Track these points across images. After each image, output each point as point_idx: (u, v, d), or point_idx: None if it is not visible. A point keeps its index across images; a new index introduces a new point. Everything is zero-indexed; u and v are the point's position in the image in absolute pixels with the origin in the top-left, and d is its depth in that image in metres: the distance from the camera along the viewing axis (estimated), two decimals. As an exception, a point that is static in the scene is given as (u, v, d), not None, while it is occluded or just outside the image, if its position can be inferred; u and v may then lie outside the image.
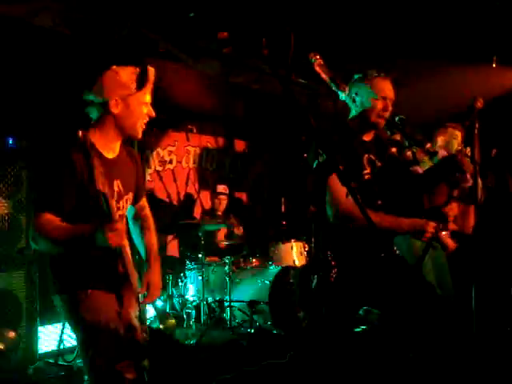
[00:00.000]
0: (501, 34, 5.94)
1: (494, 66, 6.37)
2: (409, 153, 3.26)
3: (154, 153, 7.54)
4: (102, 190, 2.34)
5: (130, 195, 2.77)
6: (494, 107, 4.56)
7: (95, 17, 4.92)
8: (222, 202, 7.31)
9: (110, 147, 2.66)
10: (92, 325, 2.50)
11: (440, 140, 4.69)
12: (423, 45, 5.83)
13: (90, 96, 2.58)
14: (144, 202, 3.01)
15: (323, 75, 3.22)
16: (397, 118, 3.22)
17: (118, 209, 2.60)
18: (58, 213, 2.43)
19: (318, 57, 3.21)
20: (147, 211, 3.02)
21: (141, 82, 2.60)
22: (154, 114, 2.67)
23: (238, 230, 7.49)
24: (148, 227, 2.97)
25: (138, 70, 2.62)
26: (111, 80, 2.56)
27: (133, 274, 2.62)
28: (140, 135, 2.70)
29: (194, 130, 7.74)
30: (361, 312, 4.27)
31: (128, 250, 2.61)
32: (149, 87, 2.64)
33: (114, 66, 2.59)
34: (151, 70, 2.64)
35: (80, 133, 2.36)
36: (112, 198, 2.44)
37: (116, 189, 2.62)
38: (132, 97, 2.58)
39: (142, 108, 2.63)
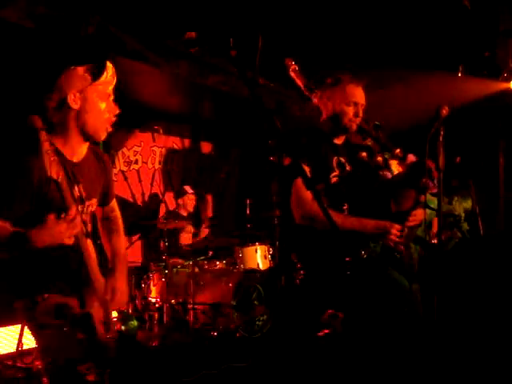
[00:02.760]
0: (467, 44, 6.05)
1: (459, 74, 6.47)
2: (379, 158, 3.30)
3: (120, 153, 7.48)
4: (55, 178, 2.23)
5: (94, 201, 2.69)
6: (458, 115, 4.63)
7: (61, 12, 4.84)
8: (191, 203, 7.30)
9: (74, 150, 2.58)
10: (49, 328, 2.44)
11: None
12: (390, 52, 5.89)
13: (50, 97, 2.49)
14: (113, 204, 2.96)
15: (297, 81, 3.26)
16: (372, 125, 3.27)
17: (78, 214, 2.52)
18: (7, 218, 2.33)
19: (293, 63, 3.24)
20: (117, 213, 2.98)
21: (96, 74, 2.51)
22: (116, 109, 2.59)
23: (203, 232, 7.47)
24: (116, 230, 2.94)
25: (95, 64, 2.53)
26: (68, 75, 2.49)
27: (97, 277, 2.56)
28: (103, 136, 2.61)
29: (161, 131, 7.67)
30: (325, 316, 4.28)
31: (91, 252, 2.56)
32: (108, 80, 2.55)
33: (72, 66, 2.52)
34: (108, 63, 2.55)
35: (32, 120, 2.23)
36: (66, 186, 2.33)
37: (76, 194, 2.53)
38: (89, 88, 2.49)
39: (101, 102, 2.54)
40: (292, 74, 3.29)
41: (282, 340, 3.11)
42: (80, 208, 2.54)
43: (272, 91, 6.89)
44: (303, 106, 7.12)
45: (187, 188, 7.40)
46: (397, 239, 3.05)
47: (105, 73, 2.53)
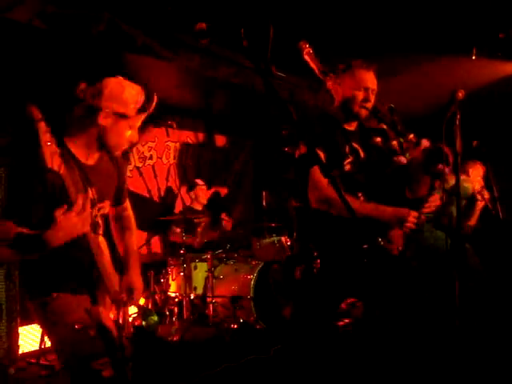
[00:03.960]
0: (481, 26, 5.97)
1: (473, 57, 6.39)
2: (394, 142, 3.27)
3: (134, 149, 7.48)
4: (56, 170, 2.18)
5: (106, 203, 2.69)
6: (475, 99, 4.59)
7: (71, 11, 4.84)
8: (203, 194, 7.30)
9: (88, 154, 2.58)
10: (61, 327, 2.44)
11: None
12: (404, 36, 5.83)
13: (83, 94, 2.45)
14: (126, 204, 2.97)
15: (312, 64, 3.22)
16: (387, 107, 3.24)
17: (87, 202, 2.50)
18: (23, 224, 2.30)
19: (307, 45, 3.22)
20: (129, 212, 2.99)
21: (143, 108, 2.51)
22: (137, 139, 2.59)
23: (227, 224, 7.49)
24: (129, 227, 2.95)
25: (143, 91, 2.52)
26: (113, 91, 2.45)
27: (110, 277, 2.55)
28: (119, 153, 2.63)
29: (174, 126, 7.68)
30: (345, 305, 4.27)
31: (104, 251, 2.55)
32: (146, 114, 2.55)
33: (121, 78, 2.50)
34: (155, 98, 2.54)
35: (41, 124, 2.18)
36: (70, 180, 2.29)
37: (90, 196, 2.52)
38: (126, 119, 2.49)
39: (128, 130, 2.53)
40: (306, 57, 3.25)
41: (302, 330, 3.09)
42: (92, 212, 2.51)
43: (285, 81, 6.85)
44: (316, 95, 7.08)
45: (198, 181, 7.39)
46: (413, 226, 3.02)
47: (149, 111, 2.54)
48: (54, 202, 2.29)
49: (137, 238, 3.01)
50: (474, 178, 5.25)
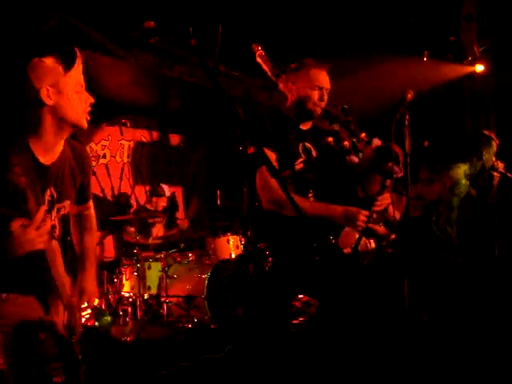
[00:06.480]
0: (432, 28, 6.08)
1: (424, 59, 6.52)
2: (346, 142, 3.30)
3: (87, 147, 7.38)
4: (15, 182, 2.07)
5: (66, 203, 2.56)
6: (425, 100, 4.67)
7: (21, 5, 4.75)
8: (163, 204, 7.23)
9: (49, 149, 2.43)
10: (10, 329, 2.38)
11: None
12: (356, 38, 5.91)
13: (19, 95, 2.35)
14: (90, 203, 2.85)
15: (264, 66, 3.25)
16: (340, 108, 3.27)
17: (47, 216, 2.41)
18: None
19: (259, 48, 3.22)
20: (91, 212, 2.88)
21: (68, 63, 2.35)
22: (91, 98, 2.45)
23: (182, 224, 7.45)
24: (89, 228, 2.85)
25: (62, 54, 2.36)
26: (37, 69, 2.32)
27: (63, 282, 2.47)
28: (85, 124, 2.46)
29: (128, 124, 7.62)
30: (299, 303, 4.29)
31: (57, 256, 2.48)
32: (78, 67, 2.40)
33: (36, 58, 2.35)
34: (77, 50, 2.40)
35: None
36: (31, 190, 2.14)
37: (48, 198, 2.42)
38: (62, 80, 2.33)
39: (76, 94, 2.39)
40: (258, 60, 3.28)
41: (253, 329, 3.09)
42: (48, 212, 2.40)
43: (239, 80, 6.87)
44: (271, 94, 7.12)
45: (165, 188, 7.31)
46: (364, 225, 3.06)
47: (77, 60, 2.39)
48: (12, 207, 2.16)
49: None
50: (489, 158, 5.19)
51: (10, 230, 2.07)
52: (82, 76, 2.44)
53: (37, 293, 2.43)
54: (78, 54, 2.42)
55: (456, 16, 6.30)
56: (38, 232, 2.12)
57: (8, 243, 2.09)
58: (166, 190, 7.31)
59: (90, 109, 2.47)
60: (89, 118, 2.48)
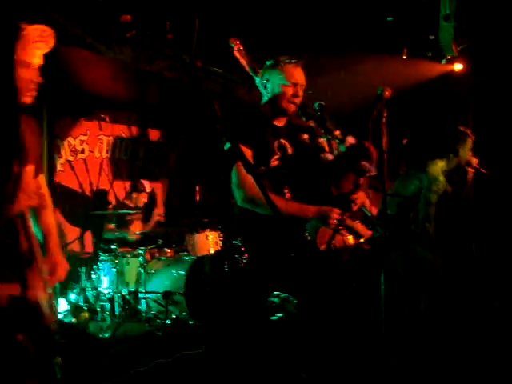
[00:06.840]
0: (411, 27, 6.11)
1: (404, 57, 6.55)
2: (322, 140, 3.31)
3: (65, 142, 7.30)
4: None
5: (31, 167, 2.54)
6: (404, 98, 4.69)
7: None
8: (143, 200, 7.20)
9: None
10: None
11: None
12: (334, 35, 5.92)
13: None
14: (42, 179, 2.78)
15: (242, 60, 3.24)
16: (315, 104, 3.27)
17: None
18: None
19: (237, 42, 3.22)
20: (44, 190, 2.81)
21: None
22: (38, 78, 2.45)
23: (161, 219, 7.43)
24: (45, 206, 2.77)
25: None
26: None
27: (39, 256, 2.47)
28: (28, 100, 2.46)
29: (107, 119, 7.55)
30: (277, 300, 4.30)
31: (32, 229, 2.47)
32: (30, 46, 2.40)
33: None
34: (45, 27, 2.42)
35: None
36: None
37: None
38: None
39: (24, 70, 2.39)
40: (236, 54, 3.27)
41: (234, 325, 3.10)
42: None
43: (218, 76, 6.85)
44: (250, 89, 7.10)
45: (146, 184, 7.26)
46: (336, 222, 3.06)
47: (28, 41, 2.39)
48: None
49: (68, 232, 2.92)
50: (465, 154, 5.21)
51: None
52: (39, 51, 2.44)
53: (16, 272, 2.39)
54: (45, 28, 2.42)
55: (435, 14, 6.34)
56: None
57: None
58: (147, 185, 7.26)
59: (34, 87, 2.46)
60: (34, 94, 2.48)
